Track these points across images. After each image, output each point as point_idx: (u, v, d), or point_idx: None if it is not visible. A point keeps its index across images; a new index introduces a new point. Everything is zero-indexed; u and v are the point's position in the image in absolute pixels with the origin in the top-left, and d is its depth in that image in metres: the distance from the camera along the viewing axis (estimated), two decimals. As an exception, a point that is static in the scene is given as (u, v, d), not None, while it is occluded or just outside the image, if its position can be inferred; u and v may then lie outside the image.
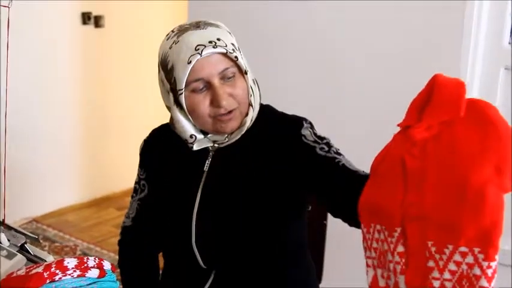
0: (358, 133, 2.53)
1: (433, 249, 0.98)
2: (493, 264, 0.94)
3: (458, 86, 0.99)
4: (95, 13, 4.44)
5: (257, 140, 1.47)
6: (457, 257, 0.96)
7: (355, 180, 1.16)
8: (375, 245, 1.07)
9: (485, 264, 0.94)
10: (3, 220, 1.57)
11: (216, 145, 1.47)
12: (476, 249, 0.94)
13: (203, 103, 1.38)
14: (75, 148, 4.57)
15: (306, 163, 1.40)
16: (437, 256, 0.98)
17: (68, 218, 4.39)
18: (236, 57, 1.36)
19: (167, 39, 1.43)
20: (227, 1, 2.79)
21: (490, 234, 0.93)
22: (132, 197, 1.64)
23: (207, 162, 1.49)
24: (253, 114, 1.44)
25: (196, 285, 1.51)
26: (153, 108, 4.91)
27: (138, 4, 4.68)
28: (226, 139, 1.45)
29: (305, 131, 1.43)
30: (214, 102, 1.36)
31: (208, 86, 1.36)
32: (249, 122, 1.43)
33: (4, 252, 1.40)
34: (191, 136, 1.43)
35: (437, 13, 2.31)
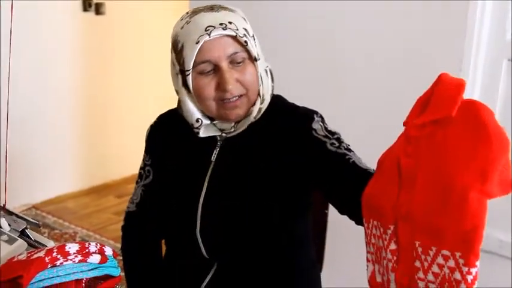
0: (359, 133, 2.53)
1: (419, 249, 0.98)
2: (473, 270, 0.93)
3: (457, 87, 0.98)
4: (96, 0, 4.43)
5: (266, 131, 1.44)
6: (440, 260, 0.96)
7: (364, 178, 1.14)
8: (373, 240, 1.08)
9: (465, 269, 0.93)
10: (4, 205, 1.57)
11: (223, 134, 1.46)
12: (458, 254, 0.93)
13: (209, 86, 1.36)
14: (75, 135, 4.56)
15: (316, 157, 1.38)
16: (423, 257, 0.98)
17: (67, 205, 4.40)
18: (246, 42, 1.34)
19: (180, 20, 1.42)
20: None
21: (471, 240, 0.92)
22: (137, 182, 1.63)
23: (214, 151, 1.47)
24: (262, 105, 1.42)
25: (198, 275, 1.50)
26: (153, 96, 4.91)
27: (139, -9, 4.67)
28: (233, 128, 1.44)
29: (316, 125, 1.41)
30: (221, 85, 1.34)
31: (216, 69, 1.35)
32: (255, 111, 1.41)
33: (5, 237, 1.40)
34: (197, 120, 1.42)
35: (441, 6, 2.29)
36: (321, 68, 2.67)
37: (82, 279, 1.21)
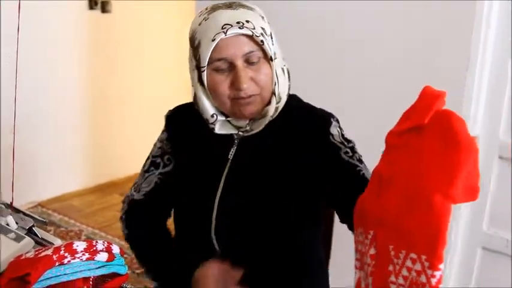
0: (361, 133, 2.53)
1: (392, 253, 1.00)
2: (437, 273, 0.94)
3: (434, 97, 1.02)
4: (101, -2, 4.43)
5: (283, 131, 1.45)
6: (408, 263, 0.98)
7: None
8: (359, 247, 1.11)
9: (429, 272, 0.95)
10: (11, 203, 1.57)
11: (240, 133, 1.46)
12: (423, 257, 0.95)
13: (224, 84, 1.36)
14: (80, 134, 4.57)
15: (329, 162, 1.39)
16: (395, 260, 1.00)
17: (72, 203, 4.40)
18: (262, 41, 1.33)
19: (198, 17, 1.41)
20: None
21: (434, 243, 0.94)
22: (149, 171, 1.59)
23: (231, 150, 1.47)
24: (278, 104, 1.42)
25: None
26: (158, 95, 4.91)
27: (145, -11, 4.67)
28: (248, 126, 1.44)
29: (333, 130, 1.42)
30: (235, 84, 1.34)
31: (231, 67, 1.35)
32: (272, 111, 1.41)
33: (12, 235, 1.40)
34: (212, 116, 1.42)
35: (449, 5, 2.29)
36: (323, 67, 2.67)
37: (89, 277, 1.21)
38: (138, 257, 1.59)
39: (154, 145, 1.62)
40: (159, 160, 1.58)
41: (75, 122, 4.51)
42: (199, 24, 1.37)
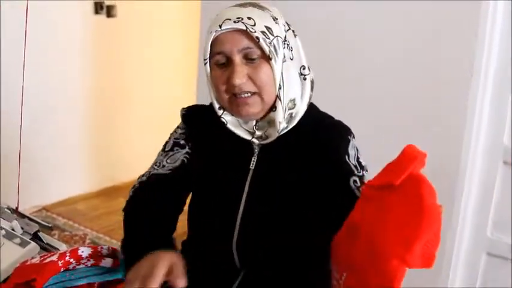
0: (365, 133, 2.53)
1: None
2: None
3: (411, 159, 1.05)
4: (107, 3, 4.44)
5: (302, 141, 1.43)
6: None
7: None
8: (334, 282, 1.18)
9: None
10: (17, 208, 1.58)
11: (255, 140, 1.43)
12: None
13: (221, 78, 1.36)
14: (85, 138, 4.58)
15: (337, 182, 1.39)
16: None
17: (77, 207, 4.41)
18: (258, 38, 1.32)
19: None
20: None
21: None
22: (173, 149, 1.51)
23: (253, 159, 1.44)
24: (293, 110, 1.40)
25: (226, 280, 1.46)
26: (163, 99, 4.92)
27: (151, -6, 4.68)
28: (258, 131, 1.41)
29: (351, 151, 1.40)
30: (230, 79, 1.34)
31: (230, 62, 1.35)
32: (280, 117, 1.38)
33: (17, 240, 1.41)
34: (219, 108, 1.42)
35: (453, 8, 2.29)
36: (337, 67, 2.67)
37: (94, 282, 1.21)
38: (125, 224, 1.48)
39: (173, 133, 1.56)
40: (183, 142, 1.53)
41: (80, 126, 4.52)
42: (213, 19, 1.38)
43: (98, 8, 4.39)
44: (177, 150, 1.53)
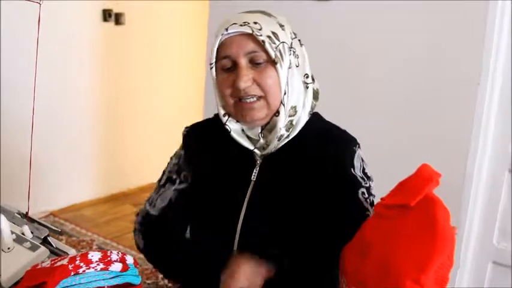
0: (377, 142, 2.54)
1: None
2: None
3: (426, 180, 1.06)
4: (115, 10, 4.47)
5: (305, 152, 1.43)
6: None
7: None
8: None
9: None
10: (27, 213, 1.59)
11: (256, 150, 1.44)
12: None
13: (226, 82, 1.37)
14: (93, 144, 4.60)
15: (344, 193, 1.39)
16: None
17: (84, 212, 4.43)
18: (263, 41, 1.33)
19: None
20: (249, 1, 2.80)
21: None
22: (163, 186, 1.56)
23: (254, 171, 1.45)
24: (293, 118, 1.41)
25: None
26: (170, 106, 4.94)
27: (159, 2, 4.70)
28: (262, 139, 1.41)
29: (357, 162, 1.41)
30: (235, 82, 1.35)
31: (235, 66, 1.36)
32: (281, 123, 1.39)
33: (28, 244, 1.42)
34: (224, 115, 1.42)
35: (461, 13, 2.30)
36: (337, 71, 2.68)
37: (103, 287, 1.22)
38: (157, 265, 1.55)
39: (171, 159, 1.60)
40: (175, 176, 1.56)
41: (89, 132, 4.55)
42: (220, 24, 1.40)
43: (107, 15, 4.42)
44: (167, 187, 1.56)
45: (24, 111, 3.46)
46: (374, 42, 2.57)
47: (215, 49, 1.37)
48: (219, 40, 1.35)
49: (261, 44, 1.34)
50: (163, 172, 1.60)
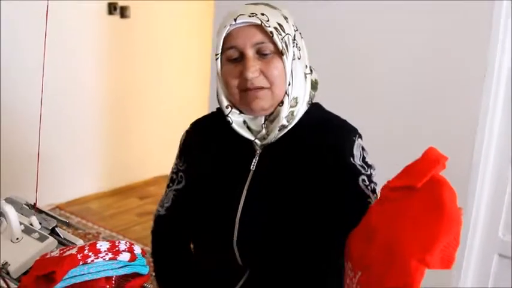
0: (382, 135, 2.54)
1: None
2: None
3: (433, 162, 1.06)
4: (120, 4, 4.47)
5: (305, 142, 1.44)
6: None
7: None
8: (347, 280, 1.17)
9: None
10: (35, 204, 1.60)
11: (257, 140, 1.45)
12: None
13: (233, 73, 1.37)
14: (98, 137, 4.61)
15: (345, 183, 1.40)
16: None
17: (90, 206, 4.45)
18: (272, 32, 1.34)
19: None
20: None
21: None
22: (168, 186, 1.63)
23: (254, 160, 1.46)
24: (294, 108, 1.41)
25: (230, 281, 1.49)
26: (176, 99, 4.95)
27: (164, -5, 4.71)
28: (264, 129, 1.42)
29: (356, 151, 1.41)
30: (243, 73, 1.35)
31: (242, 57, 1.36)
32: (285, 112, 1.39)
33: (36, 235, 1.43)
34: (227, 107, 1.42)
35: (466, 13, 2.30)
36: (342, 70, 2.68)
37: (112, 276, 1.23)
38: (157, 277, 1.63)
39: (173, 165, 1.65)
40: (174, 176, 1.61)
41: (94, 126, 4.56)
42: (225, 16, 1.40)
43: (112, 8, 4.42)
44: (170, 186, 1.63)
45: (29, 105, 3.48)
46: (381, 42, 2.57)
47: (221, 39, 1.37)
48: (226, 30, 1.36)
49: (269, 35, 1.35)
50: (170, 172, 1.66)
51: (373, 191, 1.40)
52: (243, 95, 1.39)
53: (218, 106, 1.49)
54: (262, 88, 1.37)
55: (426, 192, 1.03)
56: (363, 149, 1.44)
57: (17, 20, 3.78)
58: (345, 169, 1.40)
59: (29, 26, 3.75)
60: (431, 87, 2.44)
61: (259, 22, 1.34)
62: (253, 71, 1.35)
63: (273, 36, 1.34)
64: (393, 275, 1.00)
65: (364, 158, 1.43)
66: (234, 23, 1.34)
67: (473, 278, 2.50)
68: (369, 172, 1.42)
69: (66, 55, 4.18)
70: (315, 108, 1.48)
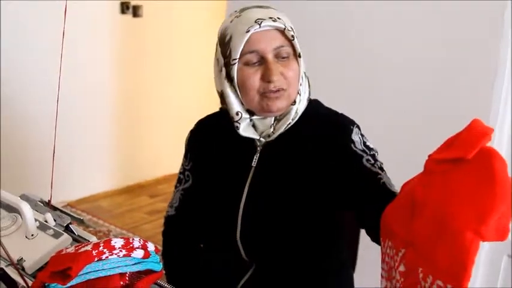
0: (390, 134, 2.54)
1: (420, 275, 1.02)
2: None
3: (481, 133, 1.03)
4: (133, 3, 4.49)
5: (304, 137, 1.46)
6: None
7: (389, 200, 1.17)
8: (387, 259, 1.14)
9: None
10: (49, 201, 1.62)
11: (261, 139, 1.47)
12: (449, 286, 0.97)
13: (254, 77, 1.39)
14: (109, 135, 4.64)
15: (350, 170, 1.41)
16: (422, 283, 1.02)
17: (101, 203, 4.48)
18: (293, 36, 1.37)
19: (229, 17, 1.45)
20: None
21: (460, 276, 0.95)
22: (176, 186, 1.66)
23: (255, 157, 1.49)
24: (299, 105, 1.45)
25: (236, 275, 1.53)
26: (187, 98, 4.96)
27: (176, -5, 4.72)
28: (272, 128, 1.45)
29: (355, 137, 1.43)
30: (265, 76, 1.37)
31: (262, 61, 1.38)
32: (294, 112, 1.43)
33: (51, 231, 1.44)
34: (237, 113, 1.44)
35: (478, 12, 2.30)
36: (355, 66, 2.69)
37: (125, 273, 1.24)
38: (168, 277, 1.66)
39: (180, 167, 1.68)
40: (182, 176, 1.65)
41: (105, 124, 4.58)
42: (231, 22, 1.41)
43: (124, 8, 4.45)
44: (177, 187, 1.67)
45: (42, 104, 3.50)
46: (388, 34, 2.57)
47: (242, 44, 1.37)
48: (249, 35, 1.36)
49: (288, 39, 1.38)
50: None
51: (381, 169, 1.41)
52: (261, 98, 1.41)
53: (220, 107, 1.53)
54: (282, 90, 1.40)
55: (477, 164, 1.00)
56: (362, 135, 1.46)
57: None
58: (347, 155, 1.42)
59: (42, 26, 3.77)
60: (441, 88, 2.44)
61: (283, 27, 1.36)
62: (277, 74, 1.38)
63: (293, 40, 1.38)
64: (446, 249, 0.98)
65: (364, 142, 1.45)
66: (258, 27, 1.35)
67: (482, 279, 2.50)
68: (371, 153, 1.43)
69: (78, 53, 4.20)
70: (313, 104, 1.52)
